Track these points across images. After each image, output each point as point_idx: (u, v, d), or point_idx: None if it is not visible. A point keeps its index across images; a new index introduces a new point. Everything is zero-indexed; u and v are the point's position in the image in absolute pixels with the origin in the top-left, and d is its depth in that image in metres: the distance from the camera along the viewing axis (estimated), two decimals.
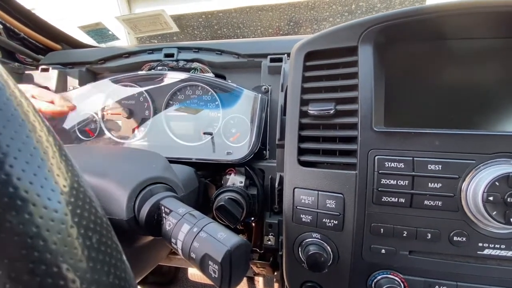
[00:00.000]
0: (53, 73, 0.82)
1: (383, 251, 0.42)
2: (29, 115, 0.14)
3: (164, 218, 0.35)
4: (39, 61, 0.90)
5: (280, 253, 0.60)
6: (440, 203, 0.39)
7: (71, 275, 0.13)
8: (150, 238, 0.42)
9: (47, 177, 0.13)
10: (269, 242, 0.62)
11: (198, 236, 0.29)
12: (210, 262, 0.28)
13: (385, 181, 0.40)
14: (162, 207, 0.35)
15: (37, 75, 0.83)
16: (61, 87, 0.82)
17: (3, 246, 0.11)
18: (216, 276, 0.27)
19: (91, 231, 0.14)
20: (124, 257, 0.16)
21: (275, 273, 0.75)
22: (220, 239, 0.28)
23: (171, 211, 0.34)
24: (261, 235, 0.64)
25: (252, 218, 0.64)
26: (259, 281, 1.20)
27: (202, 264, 0.28)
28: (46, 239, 0.12)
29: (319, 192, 0.44)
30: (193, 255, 0.29)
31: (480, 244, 0.38)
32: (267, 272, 0.73)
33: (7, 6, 0.86)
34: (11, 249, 0.11)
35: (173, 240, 0.32)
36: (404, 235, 0.40)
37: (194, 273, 1.20)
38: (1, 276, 0.11)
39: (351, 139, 0.44)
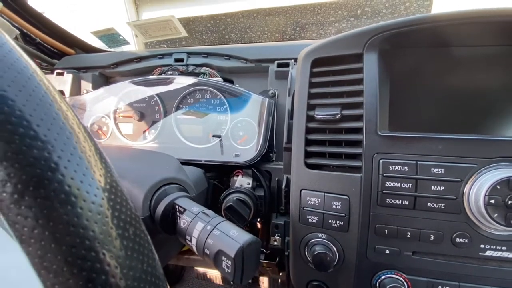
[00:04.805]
0: (68, 77, 0.85)
1: (387, 251, 0.43)
2: (74, 127, 0.16)
3: (178, 217, 0.37)
4: (54, 65, 0.94)
5: (286, 253, 0.61)
6: (443, 206, 0.40)
7: (114, 262, 0.15)
8: (163, 236, 0.44)
9: (93, 177, 0.16)
10: (275, 243, 0.63)
11: (212, 234, 0.31)
12: (223, 258, 0.30)
13: (390, 184, 0.42)
14: (177, 206, 0.37)
15: (52, 79, 0.86)
16: (75, 90, 0.85)
17: (62, 235, 0.13)
18: (229, 271, 0.29)
19: (128, 224, 0.16)
20: (154, 249, 0.18)
21: (281, 274, 0.76)
22: (232, 236, 0.30)
23: (185, 210, 0.36)
24: (267, 235, 0.65)
25: (259, 219, 0.66)
26: (264, 282, 1.21)
27: (216, 260, 0.30)
28: (94, 230, 0.14)
29: (325, 194, 0.46)
30: (207, 251, 0.31)
31: (482, 246, 0.40)
32: (273, 272, 0.75)
33: (23, 12, 0.90)
34: (68, 238, 0.14)
35: (187, 237, 0.34)
36: (408, 236, 0.42)
37: (200, 273, 1.21)
38: (60, 261, 0.13)
39: (357, 143, 0.45)
